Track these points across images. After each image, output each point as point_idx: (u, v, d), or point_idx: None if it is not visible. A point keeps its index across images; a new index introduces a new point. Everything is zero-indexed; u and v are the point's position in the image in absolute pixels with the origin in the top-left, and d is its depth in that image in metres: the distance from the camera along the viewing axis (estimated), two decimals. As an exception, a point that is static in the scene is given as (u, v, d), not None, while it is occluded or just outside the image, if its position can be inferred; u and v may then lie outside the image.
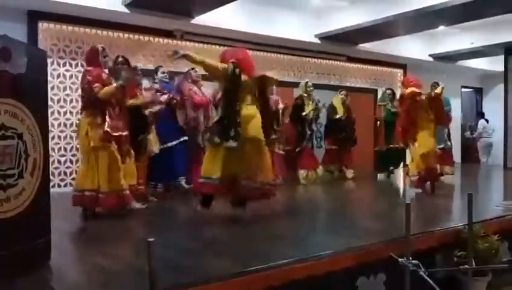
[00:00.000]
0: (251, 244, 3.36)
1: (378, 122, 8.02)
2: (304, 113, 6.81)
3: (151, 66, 6.99)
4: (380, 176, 8.03)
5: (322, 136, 8.08)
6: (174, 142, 5.46)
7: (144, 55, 7.13)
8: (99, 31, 6.71)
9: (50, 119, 5.84)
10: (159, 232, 3.52)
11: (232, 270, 2.53)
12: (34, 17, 6.21)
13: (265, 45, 8.16)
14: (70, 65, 6.51)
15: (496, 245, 3.50)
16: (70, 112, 6.48)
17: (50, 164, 5.02)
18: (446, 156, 6.99)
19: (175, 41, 7.36)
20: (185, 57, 4.01)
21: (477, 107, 13.03)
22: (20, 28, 6.01)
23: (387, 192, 6.51)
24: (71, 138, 6.41)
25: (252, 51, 8.01)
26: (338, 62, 9.54)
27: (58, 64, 6.43)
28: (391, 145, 7.59)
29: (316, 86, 8.38)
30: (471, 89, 13.06)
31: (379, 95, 9.07)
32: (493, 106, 11.56)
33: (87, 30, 6.62)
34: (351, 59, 9.63)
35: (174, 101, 5.47)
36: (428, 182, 5.72)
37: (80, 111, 4.62)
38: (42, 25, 6.30)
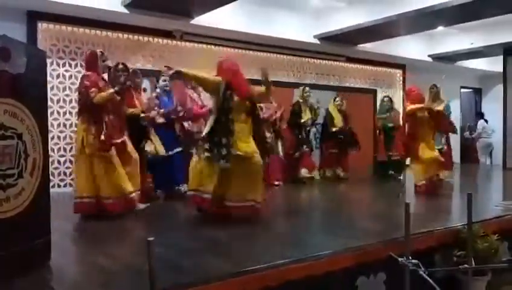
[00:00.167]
0: (250, 244, 3.37)
1: (378, 131, 8.06)
2: (302, 120, 6.94)
3: (150, 67, 7.01)
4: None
5: (320, 136, 8.08)
6: (175, 151, 5.44)
7: (143, 55, 7.12)
8: (98, 32, 6.70)
9: (49, 119, 5.83)
10: (158, 232, 3.51)
11: (231, 271, 2.54)
12: (33, 18, 6.20)
13: (265, 46, 8.17)
14: (70, 65, 6.51)
15: (496, 245, 3.51)
16: (70, 112, 6.48)
17: (50, 164, 5.02)
18: (444, 159, 6.98)
19: (174, 42, 7.36)
20: (178, 74, 4.02)
21: (476, 108, 13.05)
22: (19, 28, 6.01)
23: (387, 192, 6.51)
24: (71, 138, 6.40)
25: (251, 51, 8.10)
26: (337, 62, 9.54)
27: (58, 65, 6.43)
28: (390, 153, 7.62)
29: (316, 87, 8.42)
30: (470, 90, 13.07)
31: (378, 98, 9.09)
32: (492, 107, 11.58)
33: (87, 30, 6.62)
34: (350, 59, 9.63)
35: (174, 116, 5.47)
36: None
37: (76, 116, 4.65)
38: (41, 25, 6.29)
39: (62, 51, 6.47)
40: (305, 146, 7.03)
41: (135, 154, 4.55)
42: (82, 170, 4.18)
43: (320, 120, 7.79)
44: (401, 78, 10.75)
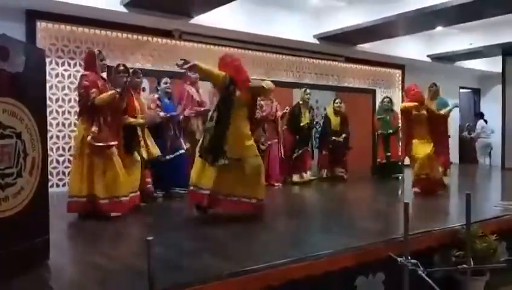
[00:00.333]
0: (250, 244, 3.37)
1: (377, 133, 8.06)
2: (301, 124, 6.94)
3: (149, 66, 7.00)
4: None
5: (319, 137, 8.08)
6: (176, 153, 5.43)
7: (142, 54, 7.11)
8: (97, 31, 6.69)
9: (48, 118, 5.81)
10: (158, 232, 3.51)
11: (231, 270, 2.53)
12: (32, 17, 6.19)
13: (264, 45, 8.16)
14: (69, 65, 6.50)
15: (494, 245, 3.52)
16: (69, 112, 6.47)
17: (48, 164, 5.01)
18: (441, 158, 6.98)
19: (173, 41, 7.35)
20: (194, 66, 4.04)
21: (475, 108, 13.07)
22: (18, 27, 5.99)
23: (386, 193, 6.51)
24: (69, 137, 6.39)
25: (251, 51, 8.10)
26: (336, 62, 9.53)
27: (57, 64, 6.41)
28: (389, 154, 7.62)
29: (314, 87, 8.41)
30: (469, 90, 13.08)
31: (378, 98, 9.09)
32: (491, 107, 11.60)
33: (86, 30, 6.61)
34: (349, 59, 9.63)
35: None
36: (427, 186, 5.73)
37: (76, 116, 4.64)
38: (40, 25, 6.27)
39: (61, 50, 6.46)
40: (305, 148, 7.01)
41: (137, 156, 4.54)
42: (79, 169, 4.16)
43: (320, 120, 7.79)
44: (400, 78, 10.75)
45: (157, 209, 4.85)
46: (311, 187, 6.84)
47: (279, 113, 6.85)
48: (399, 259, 2.81)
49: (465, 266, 3.13)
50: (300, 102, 7.11)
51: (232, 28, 7.23)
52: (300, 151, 6.95)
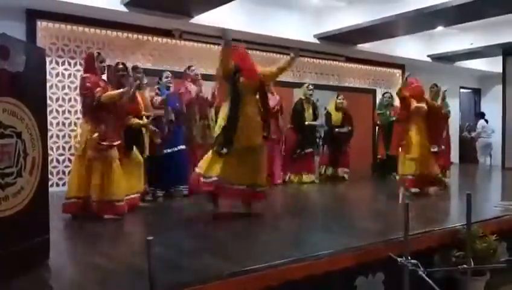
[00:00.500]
0: (250, 244, 3.37)
1: (378, 129, 8.03)
2: (306, 123, 6.92)
3: (149, 66, 7.00)
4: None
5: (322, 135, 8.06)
6: (176, 149, 5.41)
7: (142, 54, 7.11)
8: (98, 30, 6.69)
9: (49, 118, 5.82)
10: (158, 232, 3.51)
11: (231, 270, 2.53)
12: (32, 16, 6.19)
13: (264, 45, 8.15)
14: (69, 64, 6.50)
15: (494, 245, 3.51)
16: (69, 111, 6.47)
17: (49, 163, 5.01)
18: (441, 157, 6.96)
19: (174, 41, 7.35)
20: (227, 44, 4.12)
21: (475, 108, 13.07)
22: (18, 26, 5.99)
23: (386, 193, 6.51)
24: (70, 136, 6.40)
25: (251, 50, 8.05)
26: (337, 62, 9.53)
27: (57, 63, 6.41)
28: (388, 152, 7.61)
29: (315, 86, 8.37)
30: (469, 90, 13.08)
31: (378, 98, 9.07)
32: (491, 107, 11.59)
33: (86, 29, 6.61)
34: (349, 59, 9.63)
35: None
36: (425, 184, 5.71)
37: (77, 116, 4.63)
38: (41, 24, 6.28)
39: (61, 49, 6.46)
40: (310, 149, 6.98)
41: (139, 157, 4.54)
42: (78, 172, 4.15)
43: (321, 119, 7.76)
44: (401, 78, 10.74)
45: (157, 209, 4.85)
46: (312, 187, 6.83)
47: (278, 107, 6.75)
48: (399, 259, 2.81)
49: (465, 266, 3.13)
50: (303, 98, 7.06)
51: (232, 27, 7.20)
52: (303, 152, 6.89)
